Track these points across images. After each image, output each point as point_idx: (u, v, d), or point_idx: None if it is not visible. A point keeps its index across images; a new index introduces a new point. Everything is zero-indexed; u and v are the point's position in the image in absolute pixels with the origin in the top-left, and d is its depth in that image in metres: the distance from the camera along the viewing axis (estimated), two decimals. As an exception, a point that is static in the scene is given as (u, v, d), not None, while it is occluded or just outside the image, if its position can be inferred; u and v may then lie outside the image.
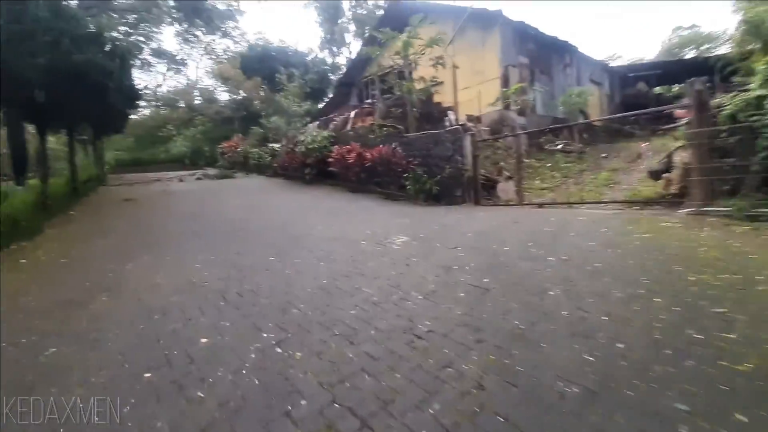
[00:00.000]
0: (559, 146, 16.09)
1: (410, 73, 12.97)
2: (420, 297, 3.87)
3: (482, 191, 10.09)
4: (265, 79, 31.01)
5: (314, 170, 14.55)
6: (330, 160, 13.28)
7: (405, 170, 10.78)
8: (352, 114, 16.31)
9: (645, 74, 24.96)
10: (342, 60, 38.43)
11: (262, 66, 32.08)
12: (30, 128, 14.75)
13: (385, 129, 12.54)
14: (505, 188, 10.69)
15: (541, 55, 17.61)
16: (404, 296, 3.94)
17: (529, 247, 5.17)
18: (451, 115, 14.08)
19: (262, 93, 31.42)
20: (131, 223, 8.77)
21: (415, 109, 12.57)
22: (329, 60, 38.03)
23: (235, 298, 4.29)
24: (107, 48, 10.77)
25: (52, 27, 9.41)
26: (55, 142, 20.18)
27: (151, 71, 32.75)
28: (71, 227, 8.49)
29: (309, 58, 35.83)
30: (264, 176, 18.78)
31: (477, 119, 15.66)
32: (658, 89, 21.69)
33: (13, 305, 4.58)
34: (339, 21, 38.12)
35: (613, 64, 26.53)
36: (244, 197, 12.19)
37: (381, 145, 11.66)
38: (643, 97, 23.29)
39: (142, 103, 36.20)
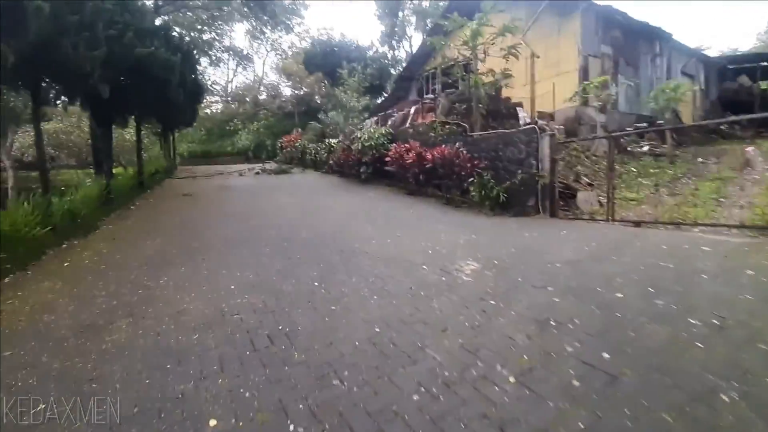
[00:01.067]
0: (645, 148, 13.78)
1: (477, 65, 11.47)
2: (512, 380, 2.64)
3: (560, 201, 8.50)
4: (326, 74, 30.60)
5: (370, 169, 13.55)
6: (387, 159, 12.20)
7: (469, 174, 9.42)
8: (412, 110, 15.06)
9: (747, 66, 21.25)
10: (402, 54, 37.16)
11: (324, 61, 31.72)
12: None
13: (447, 127, 11.18)
14: (587, 198, 8.98)
15: (627, 43, 15.22)
16: (487, 374, 2.72)
17: (650, 295, 3.72)
18: (522, 113, 12.38)
19: (323, 88, 31.09)
20: (182, 222, 8.26)
21: (481, 105, 11.08)
22: (389, 54, 36.88)
23: (266, 346, 3.32)
24: (171, 43, 10.37)
25: (116, 20, 9.08)
26: (133, 135, 21.07)
27: (221, 67, 33.48)
28: (125, 224, 8.14)
29: (369, 53, 34.95)
30: (319, 172, 18.16)
31: (550, 116, 13.79)
32: (765, 84, 18.23)
33: (32, 325, 3.98)
34: (400, 14, 36.75)
35: (707, 53, 22.85)
36: (297, 196, 11.46)
37: (443, 145, 10.36)
38: (745, 92, 19.79)
39: (213, 98, 37.64)
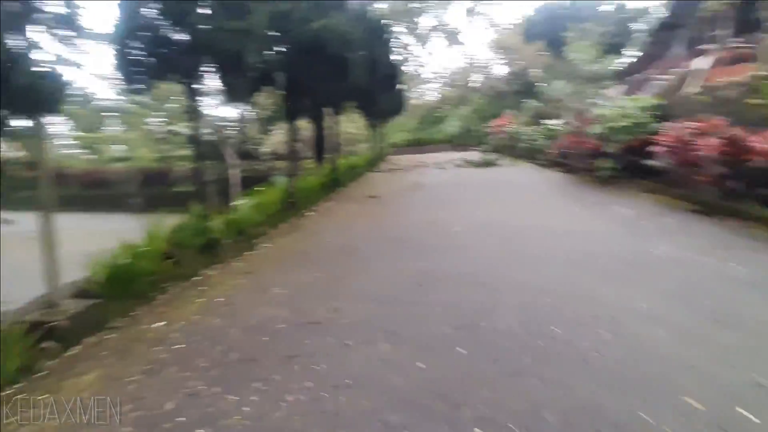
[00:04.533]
0: None
1: None
2: None
3: None
4: (549, 43, 25.02)
5: (616, 163, 8.82)
6: (653, 147, 7.40)
7: None
8: (705, 63, 9.17)
9: None
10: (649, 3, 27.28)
11: (547, 28, 26.13)
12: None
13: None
14: None
15: None
16: None
17: None
18: None
19: (543, 59, 25.64)
20: (347, 244, 6.15)
21: None
22: (630, 6, 27.62)
23: None
24: (350, 13, 8.43)
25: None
26: (350, 125, 21.72)
27: (427, 47, 31.96)
28: (284, 242, 6.57)
29: (602, 8, 27.14)
30: (534, 165, 14.02)
31: None
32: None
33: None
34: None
35: None
36: (502, 205, 8.07)
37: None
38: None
39: (426, 84, 37.11)
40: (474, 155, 17.84)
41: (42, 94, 3.28)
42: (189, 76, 5.11)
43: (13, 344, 2.97)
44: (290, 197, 8.79)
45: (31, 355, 3.05)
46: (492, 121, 21.57)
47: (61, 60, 3.67)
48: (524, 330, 3.05)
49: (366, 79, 9.72)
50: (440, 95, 36.65)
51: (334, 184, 11.85)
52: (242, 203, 7.78)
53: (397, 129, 33.36)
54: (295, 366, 2.73)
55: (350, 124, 21.64)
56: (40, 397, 2.66)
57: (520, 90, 26.45)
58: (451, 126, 30.77)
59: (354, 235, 6.52)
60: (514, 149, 16.75)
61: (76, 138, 27.52)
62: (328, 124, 14.06)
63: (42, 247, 3.61)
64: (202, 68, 5.24)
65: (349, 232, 6.76)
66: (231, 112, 20.88)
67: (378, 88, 11.65)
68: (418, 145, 30.20)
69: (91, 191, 22.49)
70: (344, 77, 8.26)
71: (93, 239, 4.73)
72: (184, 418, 2.29)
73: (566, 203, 7.91)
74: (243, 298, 4.13)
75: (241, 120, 18.50)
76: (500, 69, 31.54)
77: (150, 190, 20.99)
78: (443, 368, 2.60)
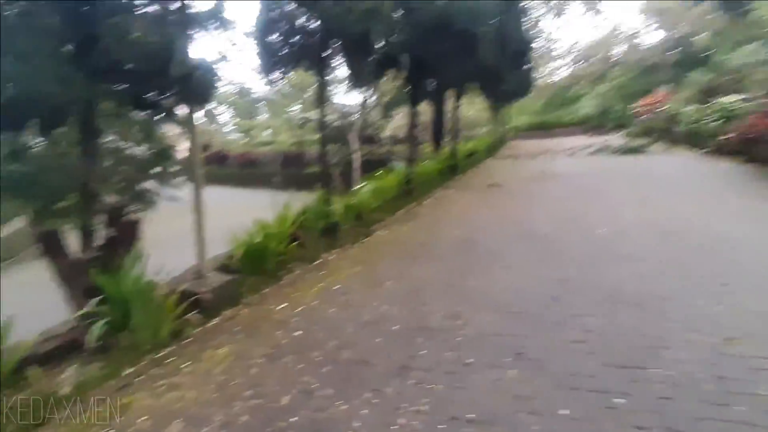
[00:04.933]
0: None
1: None
2: None
3: None
4: (724, 2, 19.75)
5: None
6: None
7: None
8: None
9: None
10: None
11: (724, -20, 20.65)
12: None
13: None
14: None
15: None
16: None
17: None
18: None
19: (713, 22, 20.44)
20: (472, 236, 5.60)
21: None
22: None
23: None
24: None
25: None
26: (470, 107, 20.62)
27: (560, 18, 28.15)
28: (399, 231, 6.37)
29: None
30: (698, 152, 11.30)
31: None
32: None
33: None
34: None
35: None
36: (662, 205, 6.54)
37: None
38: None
39: (555, 62, 33.19)
40: (615, 140, 15.28)
41: (196, 85, 3.48)
42: (319, 62, 5.13)
43: (168, 312, 3.30)
44: (408, 183, 8.59)
45: (181, 322, 3.37)
46: (640, 100, 18.16)
47: (213, 54, 3.90)
48: (721, 389, 2.18)
49: (494, 56, 8.84)
50: (572, 72, 32.39)
51: (452, 170, 11.32)
52: (361, 188, 7.83)
53: (521, 111, 30.67)
54: (408, 380, 2.43)
55: (470, 107, 20.53)
56: (183, 365, 2.89)
57: (680, 61, 21.74)
58: (585, 107, 27.05)
59: (474, 228, 5.98)
60: (670, 133, 13.80)
61: (234, 125, 32.05)
62: (448, 108, 13.46)
63: (193, 224, 3.97)
64: (330, 54, 5.23)
65: (469, 225, 6.24)
66: (355, 98, 21.65)
67: (506, 66, 10.57)
68: (543, 129, 27.42)
69: (244, 170, 26.08)
70: (471, 55, 7.58)
71: (242, 212, 5.21)
72: (296, 418, 2.18)
73: (756, 205, 6.02)
74: (358, 288, 4.01)
75: (364, 105, 19.01)
76: (652, 37, 26.35)
77: (287, 170, 23.34)
78: (597, 423, 1.99)
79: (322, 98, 5.77)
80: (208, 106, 4.08)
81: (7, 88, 2.66)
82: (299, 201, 6.00)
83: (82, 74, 2.87)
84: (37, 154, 3.49)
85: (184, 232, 4.46)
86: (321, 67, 5.22)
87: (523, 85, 16.52)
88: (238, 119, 31.63)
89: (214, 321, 3.51)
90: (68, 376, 2.77)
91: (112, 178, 4.06)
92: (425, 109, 14.38)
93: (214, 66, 3.67)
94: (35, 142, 3.43)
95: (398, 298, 3.67)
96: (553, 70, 33.62)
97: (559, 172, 10.54)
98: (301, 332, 3.19)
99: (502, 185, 9.31)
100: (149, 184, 4.91)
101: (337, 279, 4.30)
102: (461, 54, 7.48)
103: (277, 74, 5.08)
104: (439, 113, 13.50)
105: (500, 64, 9.95)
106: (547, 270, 4.07)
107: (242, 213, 5.13)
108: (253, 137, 29.25)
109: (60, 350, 3.00)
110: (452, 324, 3.10)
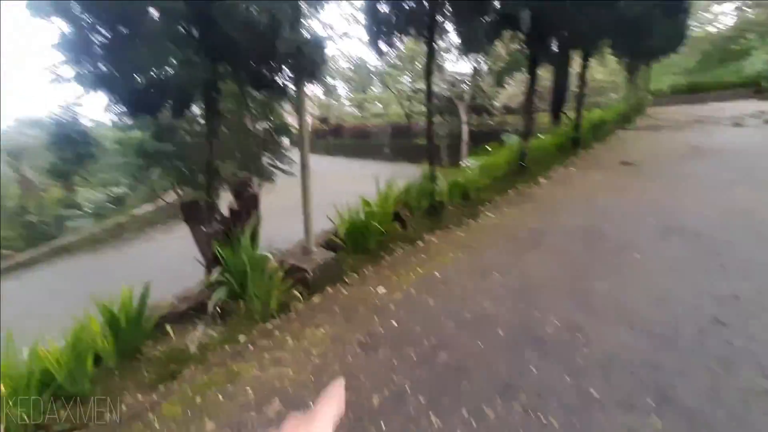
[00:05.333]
0: None
1: None
2: None
3: None
4: None
5: None
6: None
7: None
8: None
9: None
10: None
11: None
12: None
13: None
14: None
15: None
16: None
17: None
18: None
19: None
20: (598, 226, 4.74)
21: None
22: None
23: None
24: None
25: None
26: (597, 69, 17.61)
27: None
28: (518, 211, 5.67)
29: None
30: None
31: None
32: None
33: None
34: None
35: None
36: None
37: None
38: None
39: (718, 7, 26.09)
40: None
41: (304, 62, 3.38)
42: (428, 28, 4.65)
43: (277, 285, 3.42)
44: (521, 159, 7.68)
45: (288, 296, 3.49)
46: None
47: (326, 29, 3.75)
48: None
49: (638, 3, 7.12)
50: (738, 20, 25.13)
51: (575, 144, 9.83)
52: (469, 163, 7.26)
53: (665, 71, 25.14)
54: (514, 404, 2.05)
55: (597, 69, 17.49)
56: (287, 340, 2.96)
57: None
58: (756, 63, 20.92)
59: (602, 217, 5.03)
60: None
61: (350, 98, 33.18)
62: (572, 71, 11.60)
63: (301, 199, 4.03)
64: (441, 18, 4.70)
65: (595, 212, 5.28)
66: (466, 66, 20.28)
67: (654, 14, 8.49)
68: (696, 92, 22.20)
69: (357, 141, 27.13)
70: (610, 3, 6.18)
71: (354, 182, 5.27)
72: (386, 427, 2.00)
73: None
74: (460, 278, 3.66)
75: (475, 73, 17.62)
76: None
77: (397, 142, 23.47)
78: None
79: (429, 67, 5.30)
80: (326, 81, 3.99)
81: (141, 75, 2.85)
82: (406, 173, 5.80)
83: (203, 56, 2.94)
84: (175, 133, 3.85)
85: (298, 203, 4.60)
86: (430, 32, 4.72)
87: (674, 38, 13.31)
88: (353, 93, 32.60)
89: (316, 298, 3.55)
90: (196, 336, 3.07)
91: (235, 154, 4.36)
92: (544, 74, 12.67)
93: (322, 41, 3.51)
94: (173, 122, 3.79)
95: (505, 296, 3.22)
96: (712, 17, 26.63)
97: (718, 148, 8.34)
98: (397, 324, 3.01)
99: (638, 164, 7.74)
100: (268, 159, 5.17)
101: (439, 264, 4.00)
102: (597, 2, 6.13)
103: (385, 44, 4.77)
104: (561, 77, 11.71)
105: (647, 11, 8.02)
106: (705, 280, 3.15)
107: (354, 183, 5.21)
108: (366, 109, 29.93)
109: (191, 311, 3.34)
110: (571, 338, 2.57)
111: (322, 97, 28.14)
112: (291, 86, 3.88)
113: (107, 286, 2.96)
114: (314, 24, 3.79)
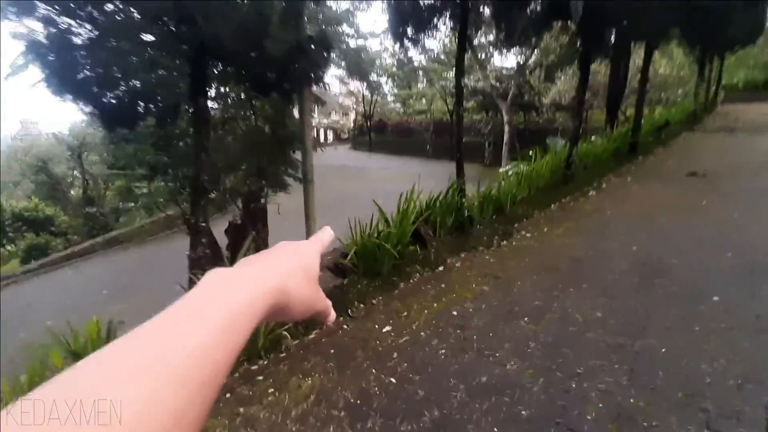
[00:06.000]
0: None
1: None
2: None
3: None
4: None
5: None
6: None
7: None
8: None
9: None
10: None
11: None
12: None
13: None
14: None
15: None
16: None
17: None
18: None
19: None
20: (662, 256, 3.87)
21: None
22: None
23: None
24: None
25: None
26: (660, 62, 15.56)
27: None
28: (561, 231, 4.81)
29: None
30: None
31: None
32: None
33: None
34: None
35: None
36: None
37: None
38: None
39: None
40: None
41: (303, 66, 2.85)
42: (461, 20, 3.94)
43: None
44: (567, 167, 6.72)
45: (278, 333, 3.01)
46: None
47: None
48: None
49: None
50: None
51: (633, 148, 8.59)
52: (506, 170, 6.43)
53: (740, 64, 21.95)
54: None
55: (661, 61, 15.46)
56: (268, 392, 2.48)
57: None
58: None
59: (664, 244, 4.08)
60: None
61: (394, 94, 32.45)
62: (632, 65, 10.18)
63: (304, 219, 3.54)
64: (477, 8, 3.97)
65: (655, 237, 4.32)
66: (512, 61, 18.88)
67: (729, 2, 7.12)
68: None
69: (399, 138, 26.53)
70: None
71: (394, 181, 4.81)
72: None
73: None
74: (481, 322, 2.99)
75: (522, 68, 16.24)
76: None
77: (439, 140, 22.57)
78: None
79: (460, 63, 4.57)
80: (326, 84, 3.45)
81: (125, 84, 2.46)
82: (448, 172, 5.15)
83: (182, 59, 2.49)
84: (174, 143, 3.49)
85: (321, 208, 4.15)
86: (463, 24, 4.00)
87: (753, 28, 11.35)
88: (396, 89, 31.84)
89: (313, 335, 3.05)
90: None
91: (240, 164, 3.96)
92: (600, 68, 11.29)
93: (327, 41, 2.95)
94: (173, 132, 3.44)
95: (534, 354, 2.53)
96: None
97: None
98: (396, 380, 2.43)
99: (708, 175, 6.49)
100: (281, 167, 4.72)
101: (458, 299, 3.35)
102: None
103: (409, 39, 4.13)
104: (619, 72, 10.30)
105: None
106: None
107: (394, 182, 4.78)
108: (410, 106, 29.14)
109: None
110: (635, 410, 1.85)
111: (366, 92, 27.67)
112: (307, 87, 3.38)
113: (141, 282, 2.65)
114: (325, 20, 3.23)
